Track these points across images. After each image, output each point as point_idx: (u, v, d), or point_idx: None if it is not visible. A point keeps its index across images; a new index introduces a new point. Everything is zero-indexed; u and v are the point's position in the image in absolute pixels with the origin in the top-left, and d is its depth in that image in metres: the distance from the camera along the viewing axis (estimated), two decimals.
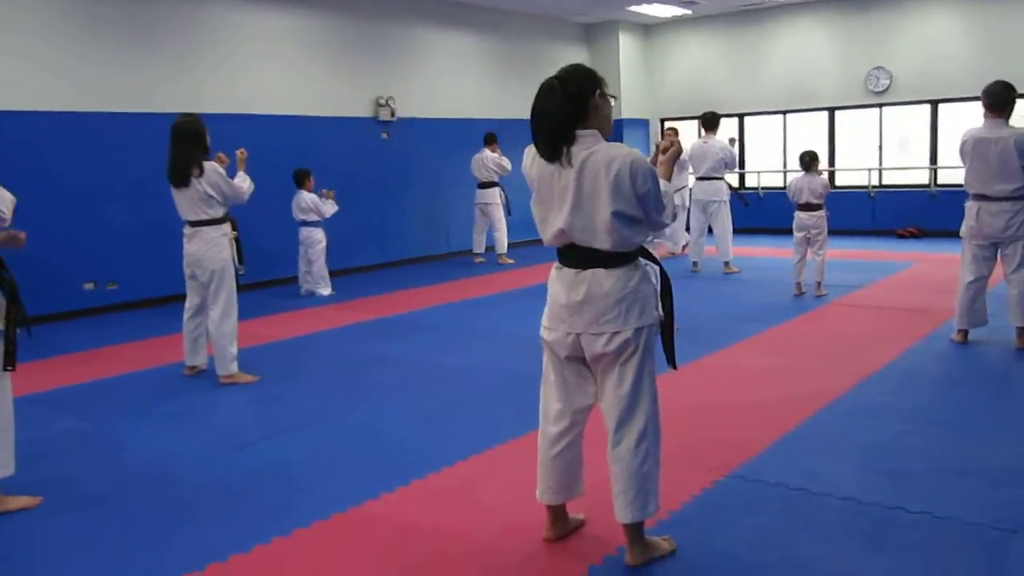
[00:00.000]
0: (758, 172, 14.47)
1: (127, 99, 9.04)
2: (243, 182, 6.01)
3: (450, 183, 12.45)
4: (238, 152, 6.21)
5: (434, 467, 4.05)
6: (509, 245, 11.86)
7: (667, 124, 15.56)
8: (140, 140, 8.82)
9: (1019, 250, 5.83)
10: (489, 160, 11.47)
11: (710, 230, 10.20)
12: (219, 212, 5.88)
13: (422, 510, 3.61)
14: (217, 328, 5.87)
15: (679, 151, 3.23)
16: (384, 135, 11.77)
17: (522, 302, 7.86)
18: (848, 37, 13.48)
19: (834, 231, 11.69)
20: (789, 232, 8.48)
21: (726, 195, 10.12)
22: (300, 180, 9.44)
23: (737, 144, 13.52)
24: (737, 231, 10.83)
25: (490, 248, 12.02)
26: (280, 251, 10.03)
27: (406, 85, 11.97)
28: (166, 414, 5.25)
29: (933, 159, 12.96)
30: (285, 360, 6.57)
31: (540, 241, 3.06)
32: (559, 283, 3.00)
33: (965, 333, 6.17)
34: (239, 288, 6.08)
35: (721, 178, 10.14)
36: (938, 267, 9.52)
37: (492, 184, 11.59)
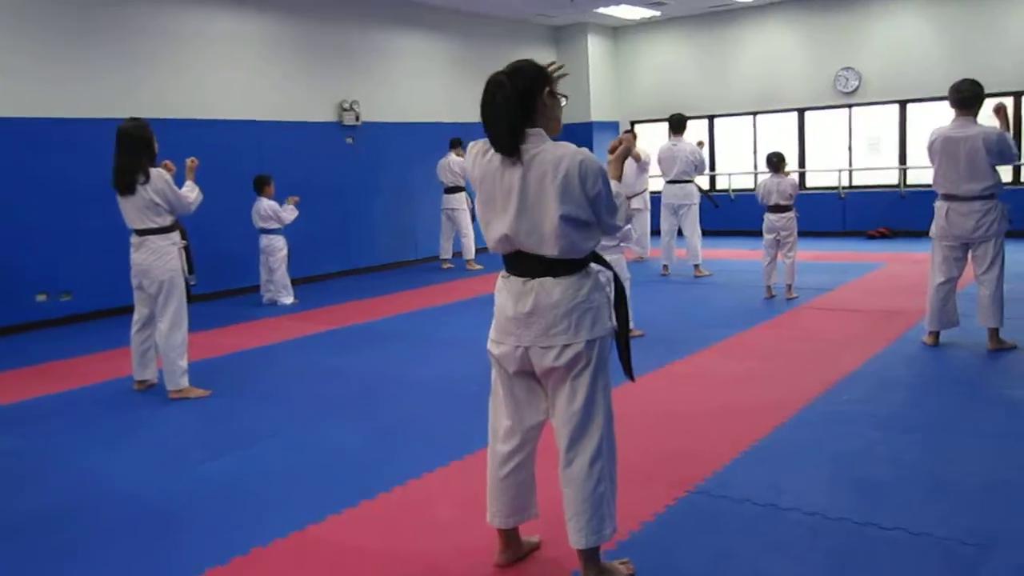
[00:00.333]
0: (728, 174, 14.38)
1: (82, 104, 8.76)
2: (191, 192, 5.77)
3: (417, 188, 12.26)
4: (188, 161, 5.97)
5: (385, 486, 3.84)
6: (477, 250, 11.67)
7: (636, 127, 15.46)
8: (97, 146, 8.49)
9: (990, 251, 5.72)
10: (455, 164, 11.29)
11: (680, 233, 10.06)
12: (167, 220, 5.65)
13: (371, 533, 3.40)
14: (166, 341, 5.64)
15: (628, 149, 3.06)
16: (349, 140, 11.54)
17: (487, 308, 7.34)
18: (817, 38, 13.42)
19: (805, 232, 11.61)
20: (760, 234, 8.35)
21: (696, 198, 9.99)
22: (260, 187, 9.20)
23: (706, 146, 13.41)
24: (708, 233, 10.73)
25: (457, 254, 11.83)
26: (242, 259, 9.79)
27: (371, 89, 11.75)
28: (110, 432, 5.00)
29: (903, 159, 12.92)
30: (239, 373, 6.33)
31: None
32: (506, 293, 2.81)
33: (936, 335, 6.05)
34: (190, 299, 5.86)
35: (691, 181, 10.00)
36: (909, 267, 9.43)
37: (459, 189, 11.41)
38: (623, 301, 2.89)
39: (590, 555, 2.81)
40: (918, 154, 12.07)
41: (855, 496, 3.52)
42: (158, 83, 9.43)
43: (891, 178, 13.11)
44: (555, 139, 2.76)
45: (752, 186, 13.46)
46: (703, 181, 13.79)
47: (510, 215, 2.70)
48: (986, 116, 5.78)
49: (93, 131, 8.59)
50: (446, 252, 11.76)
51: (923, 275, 6.29)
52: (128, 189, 5.53)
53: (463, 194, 11.38)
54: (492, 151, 2.74)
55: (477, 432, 4.18)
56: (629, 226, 6.81)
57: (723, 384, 5.32)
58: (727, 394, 5.09)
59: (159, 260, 5.60)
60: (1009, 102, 11.38)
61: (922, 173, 11.99)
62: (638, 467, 3.90)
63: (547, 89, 2.74)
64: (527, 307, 2.73)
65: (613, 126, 15.29)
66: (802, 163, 13.78)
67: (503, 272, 2.86)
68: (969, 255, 5.86)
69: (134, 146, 5.51)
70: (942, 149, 5.76)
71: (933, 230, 5.96)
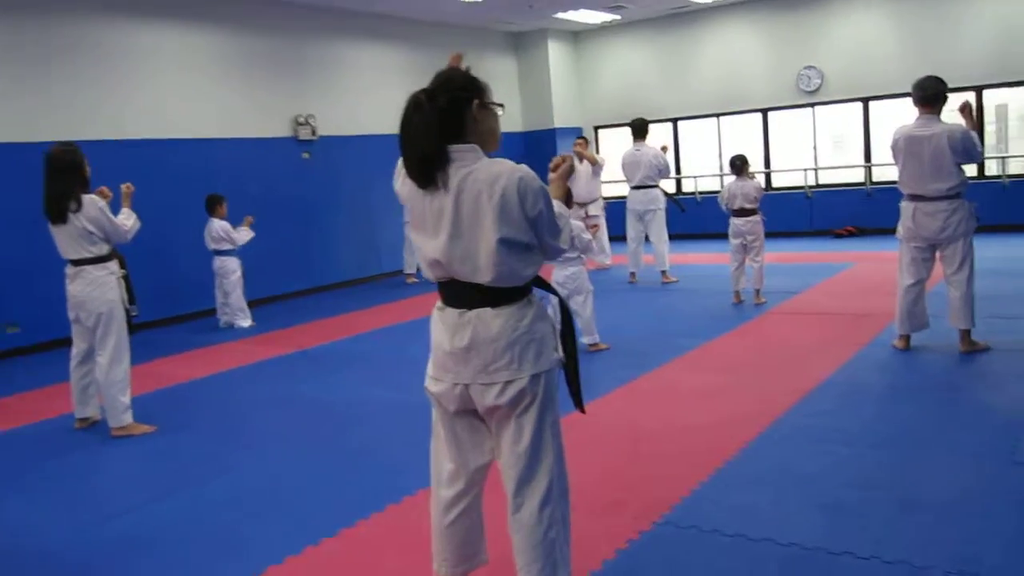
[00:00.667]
0: (695, 177, 14.23)
1: (27, 128, 8.39)
2: (127, 219, 5.49)
3: (378, 202, 11.95)
4: (123, 187, 5.69)
5: (330, 530, 3.59)
6: None
7: (600, 132, 15.31)
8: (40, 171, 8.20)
9: (959, 251, 5.56)
10: None
11: (647, 239, 9.88)
12: (103, 249, 5.36)
13: None
14: (106, 376, 5.34)
15: (571, 167, 2.85)
16: (305, 155, 11.26)
17: None
18: (778, 37, 13.32)
19: (773, 233, 11.48)
20: (728, 237, 8.17)
21: (662, 203, 9.83)
22: (212, 207, 8.90)
23: (671, 150, 13.27)
24: (675, 237, 10.56)
25: None
26: (199, 282, 9.46)
27: (328, 102, 11.48)
28: (42, 476, 4.71)
29: (868, 157, 12.83)
30: (189, 405, 6.05)
31: None
32: (441, 327, 2.59)
33: (907, 339, 5.89)
34: (132, 330, 5.57)
35: (656, 186, 9.84)
36: (877, 266, 9.30)
37: None
38: (570, 328, 2.67)
39: None
40: (883, 152, 11.98)
41: (827, 521, 3.32)
42: (108, 104, 9.11)
43: (857, 176, 13.02)
44: (492, 155, 2.54)
45: (718, 188, 13.30)
46: (669, 184, 13.70)
47: (441, 240, 2.48)
48: (950, 113, 5.64)
49: (39, 156, 8.24)
50: (410, 266, 11.48)
51: (892, 274, 6.14)
52: (60, 217, 5.25)
53: None
54: None
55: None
56: (589, 237, 6.60)
57: (690, 399, 5.12)
58: (694, 410, 4.89)
59: (96, 291, 5.32)
60: (972, 97, 11.34)
61: (888, 170, 11.91)
62: (600, 497, 3.68)
63: (477, 101, 2.52)
64: (464, 341, 2.50)
65: (576, 132, 15.09)
66: (767, 163, 13.67)
67: (438, 303, 2.64)
68: (937, 255, 5.71)
69: (64, 172, 5.24)
70: (906, 148, 5.61)
71: (900, 231, 5.81)
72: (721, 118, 14.00)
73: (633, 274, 9.93)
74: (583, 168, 10.62)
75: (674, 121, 14.42)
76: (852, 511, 3.39)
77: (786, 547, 3.13)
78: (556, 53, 14.77)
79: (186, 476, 4.52)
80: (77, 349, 5.56)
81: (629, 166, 9.85)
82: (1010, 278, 8.05)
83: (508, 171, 2.44)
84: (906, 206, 5.72)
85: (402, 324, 8.52)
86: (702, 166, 14.30)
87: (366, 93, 12.04)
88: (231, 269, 8.94)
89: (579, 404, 2.74)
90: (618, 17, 13.86)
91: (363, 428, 5.14)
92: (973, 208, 5.59)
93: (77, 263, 5.34)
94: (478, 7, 12.04)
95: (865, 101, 12.76)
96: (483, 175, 2.43)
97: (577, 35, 15.16)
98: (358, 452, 4.68)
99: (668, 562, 3.10)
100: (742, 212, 7.93)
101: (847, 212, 12.81)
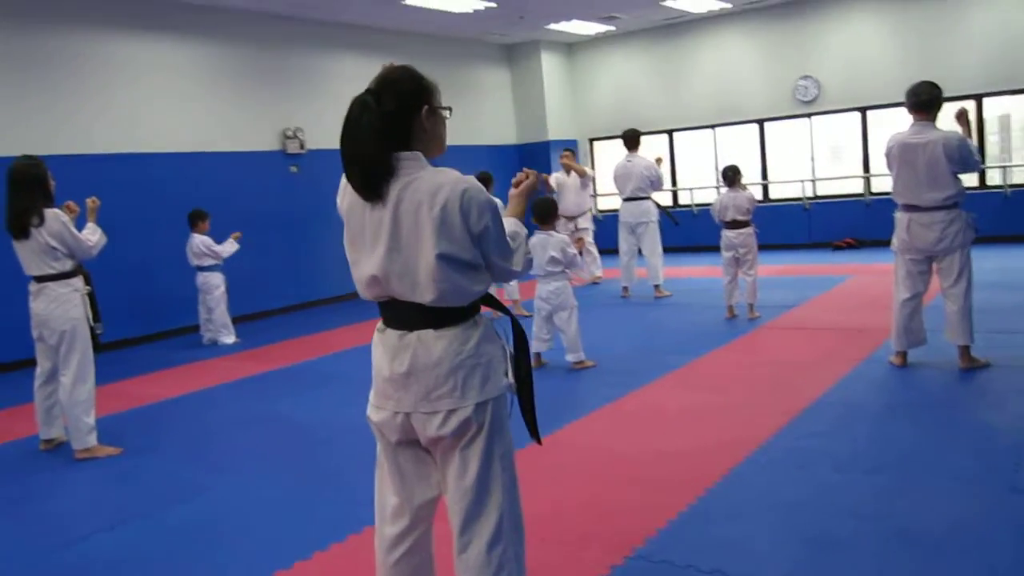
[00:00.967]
0: (690, 189, 14.03)
1: (5, 143, 8.21)
2: (92, 235, 5.29)
3: None
4: (88, 201, 5.50)
5: (286, 562, 3.37)
6: None
7: (595, 144, 15.14)
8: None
9: (956, 263, 5.34)
10: None
11: (641, 252, 9.67)
12: (67, 265, 5.17)
13: None
14: (70, 396, 5.14)
15: (533, 185, 2.64)
16: (293, 168, 11.09)
17: None
18: (774, 47, 13.15)
19: (771, 246, 11.32)
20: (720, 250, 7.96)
21: (654, 215, 9.62)
22: (194, 222, 8.72)
23: (666, 163, 13.07)
24: (670, 250, 10.37)
25: None
26: (183, 298, 9.26)
27: (316, 115, 11.29)
28: (1, 499, 4.50)
29: (866, 167, 12.63)
30: (159, 425, 5.84)
31: None
32: (381, 350, 2.38)
33: (904, 355, 5.66)
34: (97, 349, 5.37)
35: (648, 198, 9.63)
36: (875, 279, 9.07)
37: None
38: (524, 350, 2.46)
39: None
40: (881, 162, 11.75)
41: (813, 556, 3.09)
42: (85, 116, 8.95)
43: (855, 187, 12.81)
44: (435, 163, 2.34)
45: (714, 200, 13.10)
46: (664, 197, 13.51)
47: (379, 254, 2.27)
48: (948, 121, 5.44)
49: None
50: None
51: (890, 288, 5.92)
52: (22, 233, 5.07)
53: None
54: None
55: None
56: (574, 251, 6.39)
57: (674, 421, 4.89)
58: (677, 433, 4.66)
59: (59, 308, 5.13)
60: (971, 105, 11.14)
61: (886, 181, 11.63)
62: (572, 528, 3.46)
63: (426, 106, 2.32)
64: (404, 367, 2.29)
65: (571, 144, 14.92)
66: (764, 175, 13.48)
67: (379, 324, 2.43)
68: (934, 268, 5.50)
69: (26, 186, 5.06)
70: (900, 156, 5.41)
71: (895, 243, 5.59)
72: (717, 129, 13.82)
73: (626, 288, 9.72)
74: (571, 180, 10.46)
75: (670, 132, 14.24)
76: (841, 544, 3.16)
77: None
78: (550, 64, 14.62)
79: (141, 502, 4.31)
80: (41, 368, 5.38)
81: (621, 178, 9.65)
82: (1010, 291, 7.83)
83: (451, 182, 2.23)
84: (901, 217, 5.51)
85: None
86: (698, 178, 14.11)
87: None
88: (214, 284, 8.75)
89: (535, 434, 2.52)
90: (612, 28, 13.71)
91: (332, 450, 4.92)
92: (971, 219, 5.37)
93: (40, 279, 5.16)
94: (468, 18, 11.88)
95: (863, 111, 12.57)
96: (425, 185, 2.23)
97: (571, 46, 15.00)
98: (325, 476, 4.46)
99: None
100: (734, 224, 7.73)
101: (845, 224, 12.59)
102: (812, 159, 13.13)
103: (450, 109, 2.42)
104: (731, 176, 7.78)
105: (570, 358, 6.38)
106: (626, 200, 9.67)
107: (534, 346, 6.49)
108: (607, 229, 11.53)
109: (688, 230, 12.49)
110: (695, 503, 3.64)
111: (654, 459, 4.27)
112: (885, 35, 12.26)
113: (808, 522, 3.38)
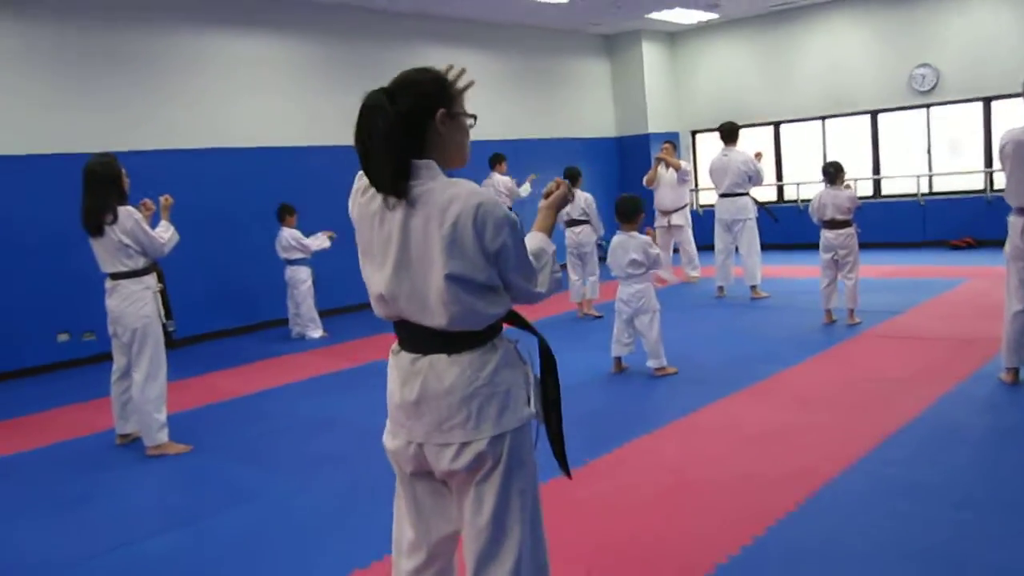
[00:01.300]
0: (797, 184, 13.41)
1: (97, 139, 8.42)
2: (165, 232, 5.34)
3: None
4: (162, 198, 5.54)
5: None
6: None
7: (697, 136, 14.67)
8: None
9: None
10: (500, 184, 10.54)
11: (737, 250, 9.25)
12: (140, 263, 5.21)
13: None
14: (141, 393, 5.20)
15: (564, 196, 2.39)
16: None
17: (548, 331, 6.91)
18: (888, 34, 12.40)
19: (882, 244, 10.70)
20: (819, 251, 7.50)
21: (752, 212, 9.17)
22: (282, 216, 8.79)
23: (768, 157, 12.51)
24: (770, 248, 9.88)
25: None
26: (275, 291, 9.35)
27: None
28: (64, 499, 4.55)
29: (988, 162, 11.77)
30: (232, 423, 5.86)
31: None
32: (395, 374, 2.21)
33: (1015, 372, 5.17)
34: (170, 346, 5.42)
35: (746, 194, 9.20)
36: (992, 284, 8.34)
37: None
38: (552, 372, 2.23)
39: None
40: None
41: None
42: (173, 111, 9.11)
43: (976, 183, 11.98)
44: (451, 174, 2.14)
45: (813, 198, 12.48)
46: (768, 192, 12.97)
47: (387, 272, 2.09)
48: None
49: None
50: None
51: None
52: (97, 230, 5.14)
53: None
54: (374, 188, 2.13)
55: None
56: (656, 251, 6.11)
57: (750, 442, 4.54)
58: (750, 455, 4.32)
59: (131, 306, 5.18)
60: None
61: None
62: (608, 566, 3.21)
63: (443, 110, 2.12)
64: (414, 394, 2.11)
65: (673, 136, 14.49)
66: (877, 169, 12.76)
67: (394, 346, 2.25)
68: None
69: (100, 184, 5.12)
70: (1014, 155, 4.93)
71: (1007, 249, 5.10)
72: (826, 121, 13.15)
73: (721, 288, 9.32)
74: (668, 175, 10.11)
75: (776, 125, 13.65)
76: None
77: None
78: (651, 55, 14.20)
79: (200, 504, 4.28)
80: (117, 364, 5.46)
81: (716, 172, 9.25)
82: None
83: (465, 195, 2.02)
84: (1014, 221, 5.01)
85: None
86: (805, 173, 13.46)
87: None
88: (301, 279, 8.81)
89: (564, 467, 2.30)
90: (715, 16, 13.21)
91: (386, 461, 4.78)
92: None
93: (114, 277, 5.23)
94: (563, 8, 11.60)
95: (986, 101, 11.73)
96: (436, 198, 2.03)
97: (673, 36, 14.55)
98: (374, 489, 4.30)
99: None
100: (834, 224, 7.26)
101: (964, 222, 11.77)
102: (928, 152, 12.35)
103: (474, 117, 2.21)
104: (832, 173, 7.32)
105: (651, 364, 6.10)
106: (722, 196, 9.27)
107: (614, 350, 6.26)
108: (704, 225, 11.10)
109: (792, 226, 11.90)
110: (751, 543, 3.29)
111: (716, 487, 3.94)
112: (1010, 19, 11.38)
113: (874, 569, 3.02)
